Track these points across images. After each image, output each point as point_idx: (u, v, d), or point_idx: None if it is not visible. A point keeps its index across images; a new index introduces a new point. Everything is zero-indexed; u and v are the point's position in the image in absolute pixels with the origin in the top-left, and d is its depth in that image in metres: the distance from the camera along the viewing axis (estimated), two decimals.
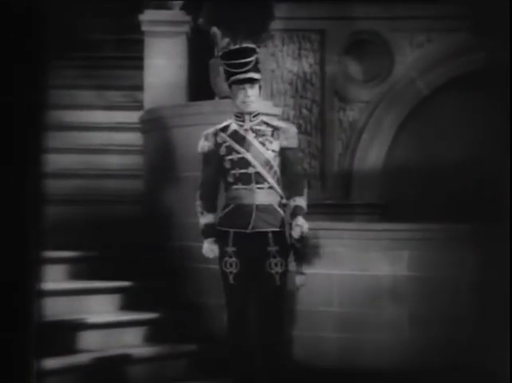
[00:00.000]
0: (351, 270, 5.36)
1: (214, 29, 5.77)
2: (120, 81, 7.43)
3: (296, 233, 4.19)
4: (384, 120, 7.00)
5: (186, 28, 6.54)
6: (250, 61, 4.26)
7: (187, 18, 6.53)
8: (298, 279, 4.28)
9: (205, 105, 5.73)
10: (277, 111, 5.76)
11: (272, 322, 4.23)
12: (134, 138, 6.44)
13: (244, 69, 4.24)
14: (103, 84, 7.39)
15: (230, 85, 4.31)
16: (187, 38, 6.57)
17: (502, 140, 5.82)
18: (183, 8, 6.56)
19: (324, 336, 5.37)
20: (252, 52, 4.30)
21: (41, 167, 2.23)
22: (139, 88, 6.67)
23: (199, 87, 6.36)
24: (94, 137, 6.83)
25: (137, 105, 6.73)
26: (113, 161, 6.60)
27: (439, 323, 5.29)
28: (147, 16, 6.51)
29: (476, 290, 5.28)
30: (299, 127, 6.99)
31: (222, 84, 5.76)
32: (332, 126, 7.03)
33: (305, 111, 7.04)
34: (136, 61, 6.82)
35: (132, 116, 6.57)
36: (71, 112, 7.04)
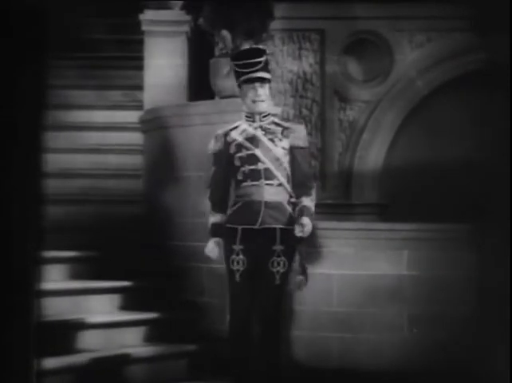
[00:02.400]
0: (351, 270, 5.36)
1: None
2: (120, 81, 7.43)
3: (297, 232, 4.20)
4: (384, 119, 7.00)
5: (186, 28, 6.54)
6: (261, 61, 4.32)
7: (187, 18, 6.53)
8: (297, 280, 4.29)
9: (205, 105, 5.73)
10: (277, 110, 5.76)
11: (270, 320, 4.23)
12: (134, 138, 6.44)
13: (255, 69, 4.31)
14: (103, 84, 7.39)
15: (240, 85, 4.37)
16: (187, 38, 6.57)
17: (502, 139, 5.82)
18: (183, 8, 6.57)
19: (324, 336, 5.37)
20: (262, 52, 4.38)
21: (41, 167, 2.22)
22: (140, 88, 6.68)
23: (199, 87, 6.36)
24: (94, 137, 6.83)
25: (137, 105, 6.73)
26: (113, 161, 6.61)
27: (438, 323, 5.29)
28: (148, 16, 6.52)
29: (476, 289, 5.28)
30: None
31: (222, 84, 5.77)
32: (332, 126, 7.03)
33: (305, 111, 7.04)
34: (136, 61, 6.83)
35: (132, 116, 6.57)
36: (71, 112, 7.04)
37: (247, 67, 4.31)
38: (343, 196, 6.96)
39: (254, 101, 4.34)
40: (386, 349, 5.31)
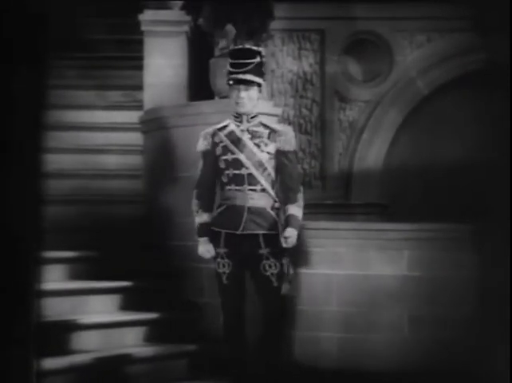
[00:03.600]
0: (351, 270, 5.36)
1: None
2: (119, 81, 7.43)
3: (282, 243, 4.17)
4: (384, 119, 7.00)
5: (186, 28, 6.54)
6: (251, 63, 4.23)
7: (187, 18, 6.53)
8: (284, 287, 4.27)
9: (205, 105, 5.72)
10: (278, 111, 5.76)
11: (272, 322, 4.23)
12: (134, 138, 6.44)
13: (242, 70, 4.22)
14: (103, 84, 7.39)
15: (228, 84, 4.31)
16: (186, 38, 6.57)
17: (502, 139, 5.82)
18: (183, 8, 6.56)
19: (324, 336, 5.37)
20: (255, 54, 4.28)
21: (41, 167, 2.22)
22: (139, 88, 6.67)
23: (199, 87, 6.36)
24: (94, 137, 6.83)
25: (137, 105, 6.73)
26: (113, 161, 6.60)
27: (438, 323, 5.29)
28: (147, 16, 6.51)
29: (476, 289, 5.28)
30: (299, 127, 7.00)
31: (221, 84, 5.77)
32: (332, 126, 7.03)
33: (305, 111, 7.04)
34: (136, 61, 6.82)
35: (132, 116, 6.57)
36: (71, 112, 7.04)
37: (236, 67, 4.24)
38: (343, 196, 6.96)
39: (236, 103, 4.27)
40: (386, 349, 5.31)
